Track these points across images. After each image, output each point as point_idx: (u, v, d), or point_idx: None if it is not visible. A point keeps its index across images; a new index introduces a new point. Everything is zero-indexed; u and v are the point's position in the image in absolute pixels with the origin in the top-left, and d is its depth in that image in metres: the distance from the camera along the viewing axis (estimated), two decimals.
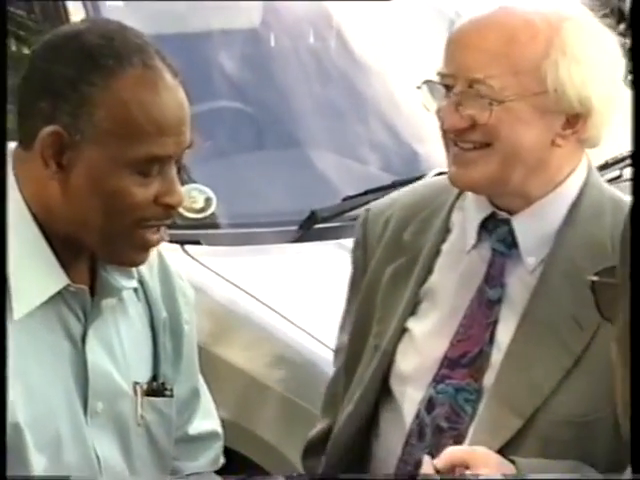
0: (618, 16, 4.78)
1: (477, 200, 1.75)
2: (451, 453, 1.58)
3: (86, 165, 1.50)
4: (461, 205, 1.77)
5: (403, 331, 1.79)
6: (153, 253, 1.66)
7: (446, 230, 1.78)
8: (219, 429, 1.79)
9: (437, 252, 1.78)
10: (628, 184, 2.33)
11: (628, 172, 3.02)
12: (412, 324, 1.78)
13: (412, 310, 1.79)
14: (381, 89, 3.31)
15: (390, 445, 1.78)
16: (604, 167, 2.73)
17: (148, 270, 1.68)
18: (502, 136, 1.65)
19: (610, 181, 2.55)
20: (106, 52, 1.49)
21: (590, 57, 1.67)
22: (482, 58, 1.66)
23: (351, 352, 1.86)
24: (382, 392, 1.81)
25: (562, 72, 1.63)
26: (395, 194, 1.97)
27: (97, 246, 1.55)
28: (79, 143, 1.49)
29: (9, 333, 1.49)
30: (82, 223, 1.53)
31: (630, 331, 0.85)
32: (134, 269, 1.64)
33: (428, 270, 1.79)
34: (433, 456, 1.62)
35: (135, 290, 1.65)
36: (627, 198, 1.68)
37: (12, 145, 1.59)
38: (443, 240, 1.78)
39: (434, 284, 1.78)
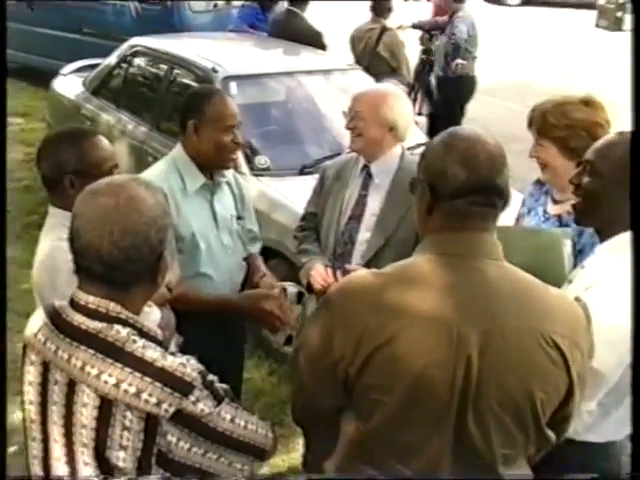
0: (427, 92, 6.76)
1: (360, 159, 2.65)
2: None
3: (205, 133, 2.47)
4: (356, 164, 2.74)
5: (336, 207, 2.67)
6: (231, 172, 2.65)
7: (352, 169, 2.74)
8: (259, 235, 2.84)
9: (347, 182, 2.73)
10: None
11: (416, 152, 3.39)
12: (342, 198, 2.72)
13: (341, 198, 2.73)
14: (332, 120, 4.70)
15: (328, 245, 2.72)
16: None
17: (231, 177, 2.71)
18: (364, 134, 2.66)
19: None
20: (205, 93, 2.54)
21: (397, 107, 2.63)
22: (362, 106, 2.67)
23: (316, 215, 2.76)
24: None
25: (386, 114, 2.60)
26: (331, 161, 2.92)
27: (214, 163, 2.51)
28: (201, 125, 2.48)
29: (186, 202, 2.32)
30: (207, 156, 2.47)
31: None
32: (227, 173, 2.60)
33: (343, 186, 2.75)
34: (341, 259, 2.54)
35: (227, 183, 2.65)
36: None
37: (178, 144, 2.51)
38: (350, 175, 2.77)
39: (349, 193, 2.75)
